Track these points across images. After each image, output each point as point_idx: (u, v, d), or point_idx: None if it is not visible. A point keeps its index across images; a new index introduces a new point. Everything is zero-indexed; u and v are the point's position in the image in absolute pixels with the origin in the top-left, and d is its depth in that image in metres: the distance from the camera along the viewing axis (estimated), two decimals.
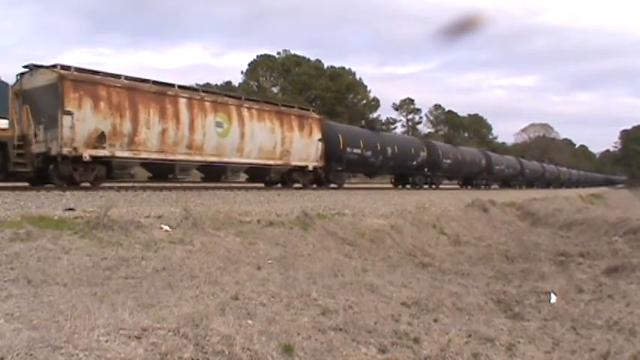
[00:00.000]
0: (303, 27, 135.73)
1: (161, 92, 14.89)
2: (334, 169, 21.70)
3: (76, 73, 13.20)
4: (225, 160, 16.52)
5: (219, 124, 16.28)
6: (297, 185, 19.78)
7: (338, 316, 5.37)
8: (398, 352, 4.95)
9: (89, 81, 13.39)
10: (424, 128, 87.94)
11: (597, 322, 6.37)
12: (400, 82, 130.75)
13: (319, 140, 20.38)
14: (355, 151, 22.83)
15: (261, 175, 18.66)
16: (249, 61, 66.38)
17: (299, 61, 64.91)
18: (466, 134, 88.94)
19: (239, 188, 16.69)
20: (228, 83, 63.70)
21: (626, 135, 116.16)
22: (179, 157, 15.20)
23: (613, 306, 7.05)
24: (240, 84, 63.70)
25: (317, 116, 21.07)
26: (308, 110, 21.48)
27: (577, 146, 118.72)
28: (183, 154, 15.22)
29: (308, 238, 9.05)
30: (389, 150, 25.50)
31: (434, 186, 31.07)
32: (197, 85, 62.63)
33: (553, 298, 7.44)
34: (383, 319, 5.59)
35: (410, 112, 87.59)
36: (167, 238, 7.17)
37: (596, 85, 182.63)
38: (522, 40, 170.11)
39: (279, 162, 18.64)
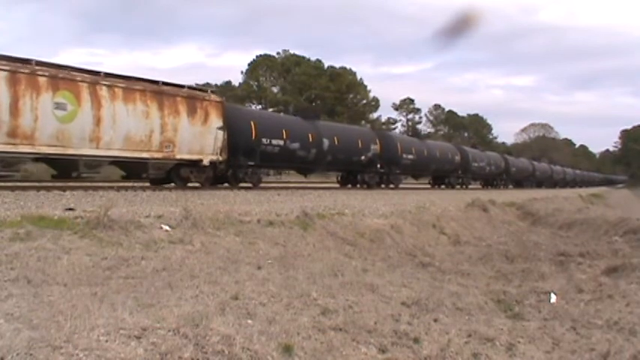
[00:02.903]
0: (298, 27, 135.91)
1: None
2: (244, 164, 17.67)
3: None
4: (72, 152, 12.76)
5: (60, 106, 12.54)
6: (193, 184, 16.04)
7: (338, 316, 5.37)
8: (398, 352, 4.94)
9: None
10: (424, 128, 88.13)
11: (597, 322, 6.37)
12: (397, 82, 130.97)
13: (219, 128, 16.30)
14: (275, 142, 18.66)
15: (137, 172, 14.82)
16: (247, 61, 66.84)
17: (299, 61, 64.97)
18: (466, 134, 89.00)
19: (239, 188, 16.68)
20: (228, 83, 63.89)
21: (626, 135, 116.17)
22: None
23: (613, 306, 7.04)
24: (240, 84, 63.88)
25: (217, 99, 16.85)
26: (204, 91, 17.01)
27: (577, 146, 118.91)
28: (2, 145, 11.77)
29: (308, 237, 9.05)
30: (325, 142, 21.10)
31: (392, 186, 26.03)
32: (197, 84, 63.00)
33: (553, 298, 7.44)
34: (383, 319, 5.59)
35: (410, 112, 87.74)
36: (167, 238, 7.17)
37: (595, 84, 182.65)
38: (519, 39, 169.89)
39: (157, 155, 14.69)
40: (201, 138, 15.88)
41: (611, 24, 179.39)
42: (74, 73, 13.12)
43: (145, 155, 14.40)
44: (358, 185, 24.56)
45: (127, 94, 14.05)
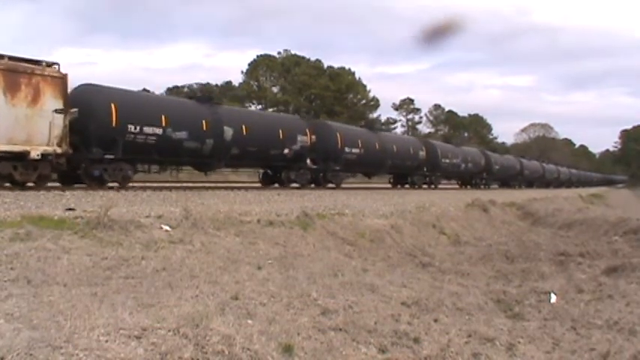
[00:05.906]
0: (294, 27, 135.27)
1: None
2: (99, 156, 14.08)
3: None
4: None
5: None
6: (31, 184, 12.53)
7: (338, 316, 5.37)
8: (398, 352, 4.94)
9: None
10: (424, 128, 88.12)
11: (597, 322, 6.37)
12: (395, 82, 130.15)
13: (58, 112, 12.64)
14: (148, 130, 14.94)
15: None
16: (244, 61, 67.12)
17: (299, 61, 64.98)
18: (466, 134, 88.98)
19: (239, 188, 16.70)
20: (229, 83, 64.00)
21: (626, 135, 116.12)
22: None
23: (613, 306, 7.04)
24: (240, 84, 63.92)
25: (55, 73, 12.83)
26: (37, 63, 12.65)
27: (577, 146, 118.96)
28: None
29: (308, 237, 9.05)
30: (228, 131, 17.34)
31: (331, 185, 22.17)
32: (197, 84, 63.20)
33: (553, 298, 7.44)
34: (383, 319, 5.59)
35: (410, 112, 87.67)
36: (167, 238, 7.17)
37: (592, 85, 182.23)
38: (515, 39, 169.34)
39: None
40: (29, 124, 12.20)
41: (607, 24, 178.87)
42: None
43: None
44: (292, 184, 20.59)
45: None
